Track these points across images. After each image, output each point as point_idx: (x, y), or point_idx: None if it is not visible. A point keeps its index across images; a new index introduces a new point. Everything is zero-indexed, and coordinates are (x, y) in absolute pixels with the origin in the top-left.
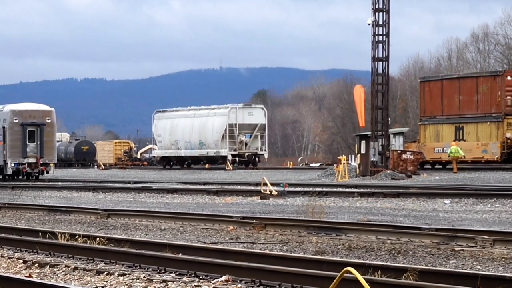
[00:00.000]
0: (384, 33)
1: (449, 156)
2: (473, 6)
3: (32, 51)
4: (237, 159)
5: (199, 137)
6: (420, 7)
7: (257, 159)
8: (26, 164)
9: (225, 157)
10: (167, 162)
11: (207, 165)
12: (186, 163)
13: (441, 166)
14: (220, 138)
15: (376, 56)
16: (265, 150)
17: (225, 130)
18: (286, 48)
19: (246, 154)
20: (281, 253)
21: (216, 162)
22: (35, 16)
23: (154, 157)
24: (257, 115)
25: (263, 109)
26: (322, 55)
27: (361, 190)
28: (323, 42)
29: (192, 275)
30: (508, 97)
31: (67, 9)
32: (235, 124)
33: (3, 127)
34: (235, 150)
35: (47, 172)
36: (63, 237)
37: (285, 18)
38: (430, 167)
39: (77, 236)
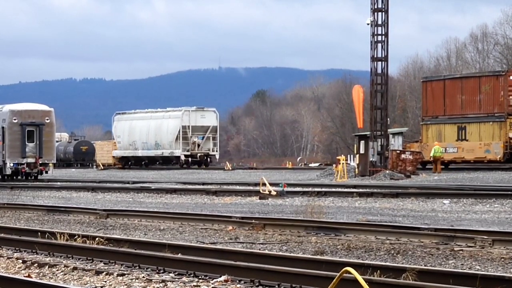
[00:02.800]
0: (383, 33)
1: (431, 156)
2: (457, 6)
3: (23, 51)
4: (190, 159)
5: (155, 138)
6: (405, 6)
7: (208, 159)
8: (25, 164)
9: (179, 157)
10: (126, 162)
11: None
12: (143, 162)
13: (443, 166)
14: (174, 139)
15: (375, 56)
16: (216, 151)
17: (179, 131)
18: (283, 48)
19: (199, 154)
20: (280, 253)
21: (170, 162)
22: (20, 15)
23: (114, 157)
24: (209, 118)
25: (215, 112)
26: (317, 55)
27: (360, 190)
28: (316, 42)
29: (191, 275)
30: (510, 97)
31: (50, 9)
32: (188, 126)
33: (2, 127)
34: (188, 150)
35: (46, 172)
36: (62, 237)
37: (276, 19)
38: (432, 167)
39: (76, 236)
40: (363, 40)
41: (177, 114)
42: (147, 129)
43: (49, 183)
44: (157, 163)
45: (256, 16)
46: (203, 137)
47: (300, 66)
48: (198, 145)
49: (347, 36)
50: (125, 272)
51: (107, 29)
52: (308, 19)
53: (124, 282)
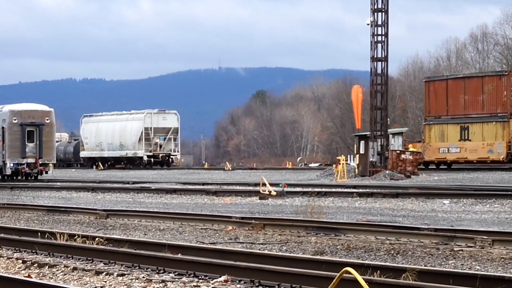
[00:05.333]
0: (383, 33)
1: None
2: (443, 6)
3: (16, 51)
4: (152, 159)
5: (120, 140)
6: (393, 5)
7: (170, 159)
8: (25, 164)
9: (142, 157)
10: (93, 163)
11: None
12: (109, 163)
13: (445, 166)
14: (137, 141)
15: (375, 56)
16: (177, 152)
17: (142, 133)
18: (281, 49)
19: (160, 155)
20: (280, 253)
21: (134, 162)
22: (5, 15)
23: (82, 157)
24: (171, 120)
25: (176, 114)
26: (315, 54)
27: (360, 190)
28: (314, 42)
29: (191, 275)
30: None
31: (35, 8)
32: (150, 128)
33: (2, 127)
34: (150, 151)
35: (46, 172)
36: (62, 237)
37: (266, 18)
38: (435, 167)
39: (76, 236)
40: (356, 40)
41: (140, 116)
42: (112, 130)
43: (49, 183)
44: (122, 163)
45: (250, 16)
46: (164, 138)
47: (300, 66)
48: (160, 146)
49: (340, 36)
50: (125, 272)
51: (100, 29)
52: (299, 19)
53: (124, 282)
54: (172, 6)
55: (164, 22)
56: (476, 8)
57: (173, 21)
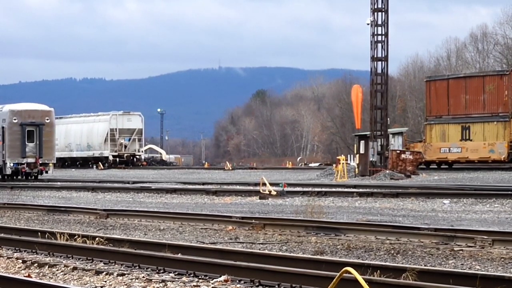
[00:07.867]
0: (383, 33)
1: None
2: (431, 5)
3: (9, 50)
4: (117, 159)
5: (87, 140)
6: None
7: (135, 159)
8: (25, 164)
9: (107, 157)
10: (63, 163)
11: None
12: (77, 163)
13: (447, 166)
14: (103, 141)
15: (375, 56)
16: (142, 152)
17: (107, 134)
18: (281, 48)
19: (125, 155)
20: (280, 253)
21: (101, 162)
22: None
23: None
24: (135, 121)
25: (140, 115)
26: (309, 54)
27: (360, 190)
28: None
29: (191, 275)
30: None
31: (18, 7)
32: (116, 129)
33: (2, 127)
34: (116, 151)
35: (46, 172)
36: (62, 237)
37: (254, 18)
38: (436, 167)
39: (76, 236)
40: (348, 39)
41: (106, 118)
42: (80, 132)
43: (49, 183)
44: (89, 163)
45: (239, 15)
46: (129, 139)
47: (300, 66)
48: (125, 146)
49: (332, 35)
50: (125, 272)
51: (88, 29)
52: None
53: (124, 282)
54: (158, 6)
55: (153, 22)
56: (461, 7)
57: (161, 21)
